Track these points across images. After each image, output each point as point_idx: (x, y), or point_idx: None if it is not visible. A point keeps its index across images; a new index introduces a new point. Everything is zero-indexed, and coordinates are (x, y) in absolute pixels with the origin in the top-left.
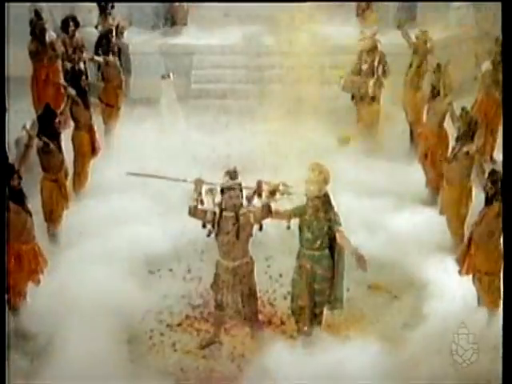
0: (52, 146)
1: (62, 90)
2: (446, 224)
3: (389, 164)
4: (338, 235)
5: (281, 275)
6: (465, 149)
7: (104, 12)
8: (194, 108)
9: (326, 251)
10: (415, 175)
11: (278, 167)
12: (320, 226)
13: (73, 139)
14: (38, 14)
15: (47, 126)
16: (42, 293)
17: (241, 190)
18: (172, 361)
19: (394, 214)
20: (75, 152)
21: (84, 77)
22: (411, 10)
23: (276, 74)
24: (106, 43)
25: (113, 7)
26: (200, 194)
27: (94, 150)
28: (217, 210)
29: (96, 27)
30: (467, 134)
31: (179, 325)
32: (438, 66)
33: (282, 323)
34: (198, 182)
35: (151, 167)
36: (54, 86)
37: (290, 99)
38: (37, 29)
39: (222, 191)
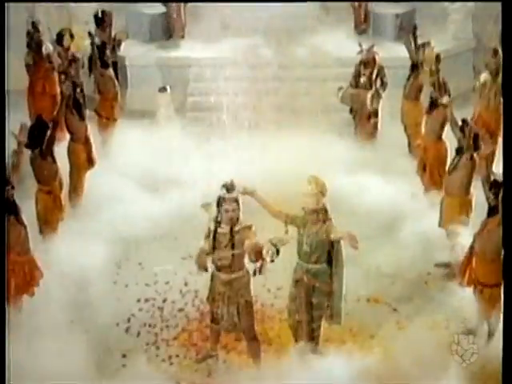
0: (44, 156)
1: (58, 99)
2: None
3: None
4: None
5: (278, 288)
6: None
7: (101, 24)
8: (190, 120)
9: (324, 265)
10: (414, 188)
11: (276, 180)
12: (318, 238)
13: (68, 151)
14: (35, 26)
15: (39, 137)
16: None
17: (237, 204)
18: (168, 375)
19: (393, 228)
20: (71, 164)
21: (79, 89)
22: (410, 23)
23: (273, 86)
24: (101, 55)
25: (108, 20)
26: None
27: (90, 162)
28: (212, 226)
29: (91, 39)
30: (469, 146)
31: (175, 338)
32: (437, 57)
33: (279, 337)
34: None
35: (148, 178)
36: (50, 98)
37: (288, 111)
38: (33, 41)
39: (218, 204)
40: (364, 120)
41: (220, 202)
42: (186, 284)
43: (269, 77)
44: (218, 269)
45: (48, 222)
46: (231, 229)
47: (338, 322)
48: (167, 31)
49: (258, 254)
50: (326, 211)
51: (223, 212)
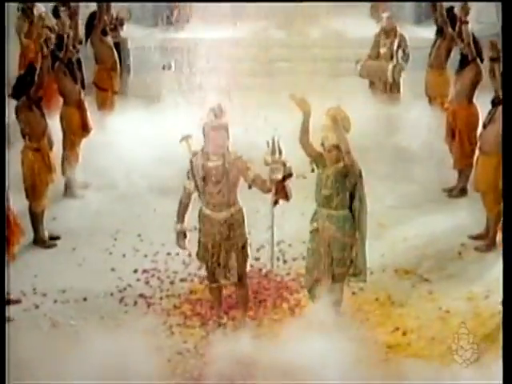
0: (30, 107)
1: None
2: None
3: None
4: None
5: (290, 245)
6: None
7: None
8: (196, 100)
9: (346, 211)
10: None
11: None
12: (339, 179)
13: (61, 116)
14: None
15: (27, 87)
16: None
17: (227, 132)
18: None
19: (422, 206)
20: (64, 130)
21: (71, 46)
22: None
23: (285, 66)
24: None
25: None
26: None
27: (84, 129)
28: (199, 160)
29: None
30: None
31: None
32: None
33: (296, 303)
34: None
35: (147, 156)
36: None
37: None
38: (25, 4)
39: (205, 133)
40: (384, 94)
41: (207, 130)
42: (189, 255)
43: (280, 57)
44: (209, 208)
45: (36, 185)
46: (224, 160)
47: (362, 280)
48: (172, 16)
49: (264, 184)
50: (348, 152)
51: (211, 142)
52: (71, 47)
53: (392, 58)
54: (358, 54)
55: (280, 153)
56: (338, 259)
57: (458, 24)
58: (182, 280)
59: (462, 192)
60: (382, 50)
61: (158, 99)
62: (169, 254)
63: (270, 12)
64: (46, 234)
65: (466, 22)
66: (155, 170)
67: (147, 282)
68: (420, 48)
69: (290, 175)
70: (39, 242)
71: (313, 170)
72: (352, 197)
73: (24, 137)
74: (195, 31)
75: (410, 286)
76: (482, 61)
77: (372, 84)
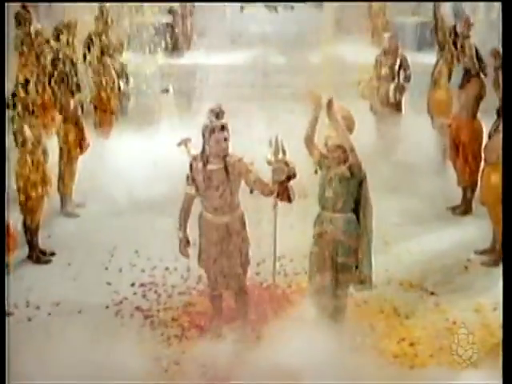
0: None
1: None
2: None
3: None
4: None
5: (291, 260)
6: None
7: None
8: (195, 126)
9: (350, 214)
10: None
11: None
12: (343, 181)
13: (58, 133)
14: (24, 7)
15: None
16: None
17: (227, 132)
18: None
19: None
20: (60, 147)
21: (69, 61)
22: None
23: (284, 92)
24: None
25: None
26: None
27: (81, 147)
28: (198, 164)
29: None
30: None
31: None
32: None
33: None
34: None
35: (141, 178)
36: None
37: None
38: (22, 19)
39: (204, 136)
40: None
41: (207, 132)
42: (188, 269)
43: (279, 83)
44: (210, 212)
45: (30, 197)
46: (225, 163)
47: (368, 288)
48: (172, 42)
49: (266, 187)
50: (352, 150)
51: (213, 143)
52: (69, 62)
53: (394, 78)
54: (359, 78)
55: (283, 153)
56: (343, 264)
57: (460, 39)
58: (181, 293)
59: (467, 210)
60: (384, 71)
61: (155, 121)
62: (167, 268)
63: (270, 38)
64: (41, 249)
65: (469, 37)
66: (152, 187)
67: (144, 296)
68: (421, 73)
69: (293, 176)
70: (33, 257)
71: (316, 172)
72: (357, 200)
73: (18, 146)
74: (195, 57)
75: (415, 299)
76: (485, 75)
77: (373, 106)
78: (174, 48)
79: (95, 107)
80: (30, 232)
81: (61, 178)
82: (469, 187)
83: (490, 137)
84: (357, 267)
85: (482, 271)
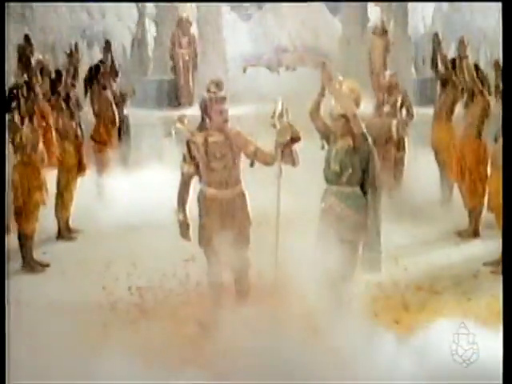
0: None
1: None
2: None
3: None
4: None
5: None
6: None
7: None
8: None
9: (357, 188)
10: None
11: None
12: (348, 153)
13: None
14: (27, 38)
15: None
16: None
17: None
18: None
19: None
20: (58, 168)
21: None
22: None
23: None
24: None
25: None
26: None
27: (80, 167)
28: (199, 138)
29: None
30: None
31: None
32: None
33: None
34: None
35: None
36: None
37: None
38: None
39: (206, 107)
40: (389, 152)
41: (207, 104)
42: (187, 275)
43: None
44: (214, 187)
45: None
46: (226, 134)
47: (377, 269)
48: (174, 98)
49: (268, 155)
50: (354, 116)
51: (215, 115)
52: (69, 82)
53: (396, 115)
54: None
55: (288, 117)
56: (349, 241)
57: (458, 62)
58: (179, 295)
59: (475, 234)
60: (386, 109)
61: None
62: (164, 274)
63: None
64: (35, 260)
65: (466, 57)
66: (149, 210)
67: (141, 297)
68: (422, 124)
69: (297, 138)
70: (27, 267)
71: (323, 147)
72: (364, 174)
73: (15, 151)
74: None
75: (423, 299)
76: (489, 93)
77: (375, 141)
78: (177, 105)
79: (95, 140)
80: (25, 242)
81: (58, 200)
82: (475, 210)
83: (496, 140)
84: (364, 245)
85: (491, 278)
